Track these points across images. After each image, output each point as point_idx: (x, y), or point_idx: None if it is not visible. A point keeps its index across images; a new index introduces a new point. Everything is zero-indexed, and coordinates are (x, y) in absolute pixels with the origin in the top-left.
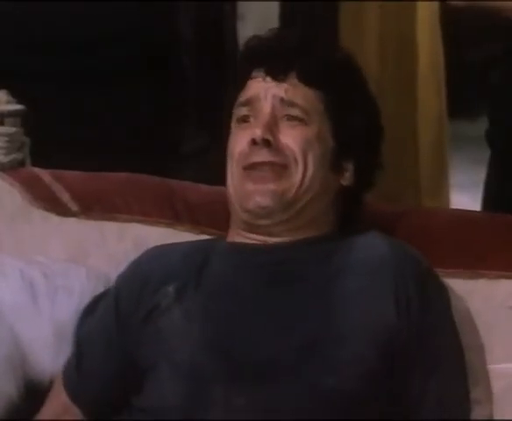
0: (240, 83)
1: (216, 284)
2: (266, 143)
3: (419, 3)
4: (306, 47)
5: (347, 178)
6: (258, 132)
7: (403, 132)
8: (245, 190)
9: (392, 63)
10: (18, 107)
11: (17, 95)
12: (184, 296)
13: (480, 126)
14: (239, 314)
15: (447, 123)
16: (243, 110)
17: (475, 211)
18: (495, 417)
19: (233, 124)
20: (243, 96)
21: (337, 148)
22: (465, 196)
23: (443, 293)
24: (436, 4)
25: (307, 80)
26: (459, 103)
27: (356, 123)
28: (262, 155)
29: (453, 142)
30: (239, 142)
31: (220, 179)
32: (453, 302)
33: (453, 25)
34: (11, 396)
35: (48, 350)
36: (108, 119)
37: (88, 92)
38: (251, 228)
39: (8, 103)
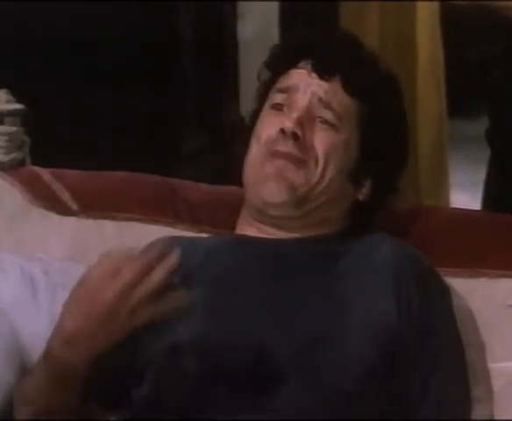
0: (283, 69)
1: (221, 277)
2: (294, 136)
3: (419, 3)
4: (358, 56)
5: (364, 193)
6: (288, 124)
7: None
8: (263, 172)
9: (392, 63)
10: (18, 106)
11: (17, 94)
12: (189, 288)
13: (480, 126)
14: (241, 309)
15: (447, 122)
16: (279, 98)
17: (475, 211)
18: (496, 416)
19: (265, 108)
20: (282, 83)
21: (361, 161)
22: (465, 196)
23: (444, 293)
24: (435, 4)
25: (350, 87)
26: (459, 103)
27: (384, 143)
28: (287, 146)
29: (453, 142)
30: (268, 127)
31: (220, 178)
32: (454, 301)
33: (453, 25)
34: (11, 390)
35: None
36: (108, 119)
37: (89, 92)
38: (261, 217)
39: (8, 102)
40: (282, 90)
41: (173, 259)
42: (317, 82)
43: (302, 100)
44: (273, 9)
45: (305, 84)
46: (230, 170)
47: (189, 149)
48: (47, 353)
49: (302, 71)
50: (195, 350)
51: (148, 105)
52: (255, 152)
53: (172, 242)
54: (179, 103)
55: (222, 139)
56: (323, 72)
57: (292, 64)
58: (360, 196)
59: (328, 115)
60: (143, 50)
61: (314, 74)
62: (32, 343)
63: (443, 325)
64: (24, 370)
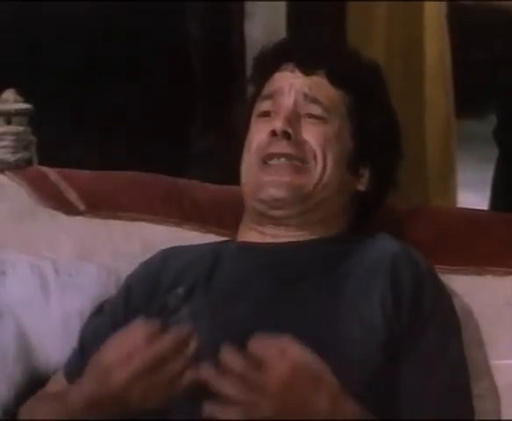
0: (266, 76)
1: (224, 285)
2: (286, 135)
3: (426, 4)
4: (337, 48)
5: (363, 183)
6: (278, 124)
7: (411, 131)
8: (261, 181)
9: (399, 63)
10: (25, 106)
11: (24, 94)
12: (192, 298)
13: (488, 125)
14: (246, 315)
15: (455, 122)
16: (265, 105)
17: (482, 210)
18: (501, 413)
19: (253, 118)
20: (267, 90)
21: (355, 150)
22: (473, 195)
23: (442, 294)
24: (443, 4)
25: (335, 79)
26: (467, 103)
27: (375, 128)
28: (281, 147)
29: (461, 141)
30: (259, 133)
31: (228, 178)
32: (459, 298)
33: (461, 25)
34: (18, 384)
35: (56, 341)
36: (116, 119)
37: (96, 92)
38: (264, 221)
39: (15, 101)
40: (268, 97)
41: (189, 352)
42: (301, 80)
43: (287, 101)
44: (281, 8)
45: (289, 85)
46: (237, 170)
47: (197, 149)
48: (66, 405)
49: (285, 72)
50: (200, 357)
51: (155, 105)
52: (249, 162)
53: (175, 251)
54: (186, 103)
55: (229, 138)
56: (306, 67)
57: (275, 67)
58: (361, 187)
59: (315, 109)
60: (150, 50)
61: (298, 72)
62: (41, 341)
63: (441, 326)
64: (31, 368)
